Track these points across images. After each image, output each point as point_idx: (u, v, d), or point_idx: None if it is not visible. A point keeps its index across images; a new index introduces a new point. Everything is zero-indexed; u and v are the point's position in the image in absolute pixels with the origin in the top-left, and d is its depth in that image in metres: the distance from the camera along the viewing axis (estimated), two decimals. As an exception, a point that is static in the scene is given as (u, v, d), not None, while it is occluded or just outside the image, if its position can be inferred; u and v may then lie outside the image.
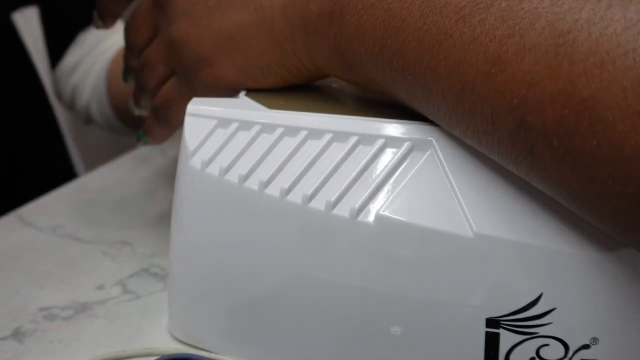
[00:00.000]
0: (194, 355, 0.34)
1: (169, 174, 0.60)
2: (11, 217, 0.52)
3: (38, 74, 0.69)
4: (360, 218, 0.29)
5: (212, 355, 0.34)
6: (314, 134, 0.31)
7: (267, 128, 0.32)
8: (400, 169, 0.30)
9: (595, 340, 0.27)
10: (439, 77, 0.28)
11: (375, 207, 0.29)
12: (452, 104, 0.28)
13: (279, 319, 0.32)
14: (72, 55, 0.74)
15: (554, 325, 0.27)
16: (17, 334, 0.37)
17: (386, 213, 0.29)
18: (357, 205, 0.29)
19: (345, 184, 0.30)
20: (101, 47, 0.73)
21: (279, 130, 0.32)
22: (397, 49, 0.29)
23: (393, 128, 0.30)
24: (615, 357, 0.28)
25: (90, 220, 0.51)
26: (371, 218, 0.29)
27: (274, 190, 0.31)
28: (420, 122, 0.30)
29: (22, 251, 0.47)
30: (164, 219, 0.50)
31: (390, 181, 0.30)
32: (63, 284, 0.42)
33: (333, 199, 0.30)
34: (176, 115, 0.39)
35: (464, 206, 0.28)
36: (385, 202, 0.29)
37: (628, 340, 0.28)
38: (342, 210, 0.30)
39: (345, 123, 0.31)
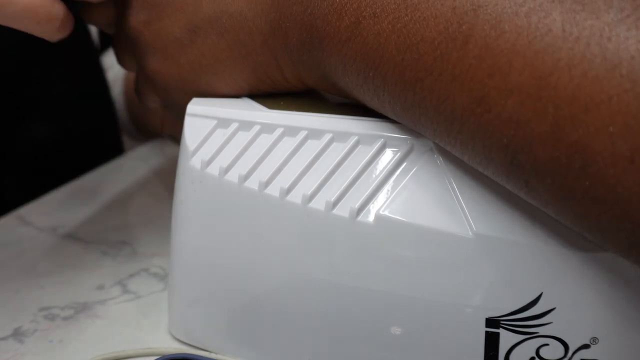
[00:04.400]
0: (194, 355, 0.34)
1: (169, 174, 0.60)
2: (11, 217, 0.52)
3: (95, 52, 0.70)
4: (360, 218, 0.29)
5: (212, 355, 0.34)
6: (314, 134, 0.31)
7: (267, 128, 0.32)
8: (400, 168, 0.30)
9: (595, 340, 0.27)
10: (426, 111, 0.27)
11: (375, 207, 0.29)
12: (444, 136, 0.27)
13: (278, 319, 0.32)
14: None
15: (554, 325, 0.27)
16: (17, 334, 0.37)
17: (386, 213, 0.29)
18: (357, 205, 0.29)
19: (345, 184, 0.30)
20: None
21: (279, 131, 0.32)
22: (380, 83, 0.29)
23: (393, 128, 0.30)
24: (616, 357, 0.28)
25: (90, 220, 0.51)
26: (371, 218, 0.29)
27: (273, 190, 0.31)
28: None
29: (22, 251, 0.47)
30: (164, 219, 0.50)
31: (390, 181, 0.30)
32: (63, 284, 0.42)
33: (333, 199, 0.30)
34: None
35: (464, 206, 0.28)
36: (385, 202, 0.29)
37: (628, 340, 0.28)
38: (342, 210, 0.30)
39: (345, 123, 0.31)
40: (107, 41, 0.79)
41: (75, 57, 0.68)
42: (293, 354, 0.32)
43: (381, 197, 0.29)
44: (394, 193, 0.29)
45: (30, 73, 0.50)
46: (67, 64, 0.66)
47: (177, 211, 0.35)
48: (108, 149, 0.71)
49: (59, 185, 0.58)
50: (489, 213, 0.28)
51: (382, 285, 0.30)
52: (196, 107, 0.34)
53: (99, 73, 0.71)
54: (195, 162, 0.33)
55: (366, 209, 0.29)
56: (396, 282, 0.29)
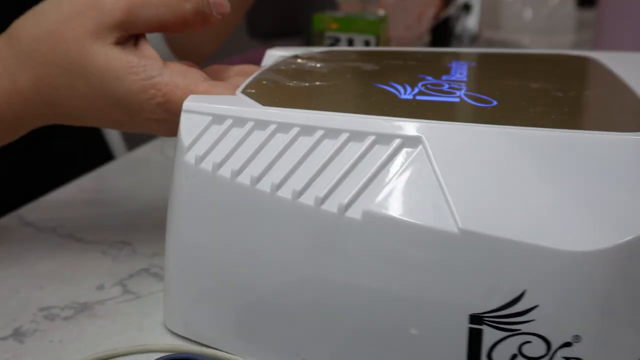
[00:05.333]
0: (194, 355, 0.34)
1: (169, 174, 0.60)
2: (11, 217, 0.52)
3: None
4: (348, 214, 0.30)
5: (212, 355, 0.34)
6: (306, 130, 0.32)
7: (260, 124, 0.33)
8: (390, 165, 0.30)
9: (577, 338, 0.27)
10: None
11: (363, 203, 0.29)
12: None
13: (268, 311, 0.33)
14: None
15: (536, 323, 0.27)
16: (17, 334, 0.37)
17: (373, 209, 0.29)
18: (345, 201, 0.30)
19: (335, 180, 0.30)
20: None
21: (272, 127, 0.32)
22: None
23: (383, 125, 0.31)
24: (598, 355, 0.28)
25: (90, 220, 0.51)
26: (358, 214, 0.29)
27: (264, 185, 0.31)
28: (410, 120, 0.31)
29: (22, 251, 0.47)
30: (164, 219, 0.50)
31: (378, 177, 0.30)
32: (63, 284, 0.42)
33: (322, 194, 0.30)
34: None
35: (450, 203, 0.28)
36: (372, 198, 0.29)
37: (610, 338, 0.28)
38: (331, 206, 0.30)
39: (336, 120, 0.31)
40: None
41: None
42: (282, 345, 0.33)
43: (369, 193, 0.30)
44: (382, 189, 0.29)
45: None
46: None
47: (172, 206, 0.35)
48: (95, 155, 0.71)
49: (59, 186, 0.58)
50: (475, 210, 0.28)
51: (368, 281, 0.30)
52: (192, 104, 0.35)
53: None
54: (190, 157, 0.34)
55: (354, 204, 0.30)
56: (381, 277, 0.29)
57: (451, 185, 0.29)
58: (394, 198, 0.29)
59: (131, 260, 0.45)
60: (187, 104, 0.35)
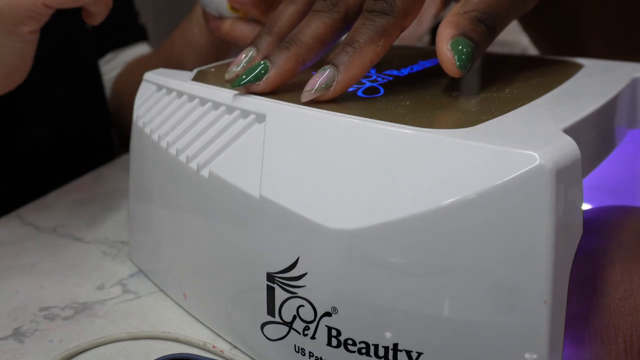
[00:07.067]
0: (194, 355, 0.34)
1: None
2: (11, 217, 0.52)
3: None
4: (202, 172, 0.34)
5: (212, 356, 0.34)
6: (200, 100, 0.37)
7: (180, 95, 0.39)
8: (243, 135, 0.33)
9: (335, 309, 0.29)
10: None
11: (211, 165, 0.34)
12: None
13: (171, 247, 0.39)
14: None
15: (307, 289, 0.30)
16: (17, 334, 0.37)
17: (214, 170, 0.33)
18: (202, 162, 0.34)
19: (203, 143, 0.35)
20: None
21: (184, 98, 0.38)
22: None
23: (244, 101, 0.34)
24: (351, 329, 0.29)
25: (90, 220, 0.51)
26: (206, 173, 0.34)
27: (173, 149, 0.37)
28: (264, 99, 0.33)
29: (22, 251, 0.47)
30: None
31: (232, 145, 0.34)
32: (63, 284, 0.42)
33: (191, 154, 0.35)
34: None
35: (262, 172, 0.31)
36: (219, 161, 0.34)
37: (362, 314, 0.28)
38: (194, 164, 0.35)
39: (223, 95, 0.35)
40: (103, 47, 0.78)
41: (73, 61, 0.68)
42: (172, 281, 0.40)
43: (220, 157, 0.34)
44: (229, 155, 0.33)
45: (29, 77, 0.50)
46: (65, 68, 0.66)
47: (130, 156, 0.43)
48: (99, 150, 0.71)
49: (58, 186, 0.58)
50: (277, 181, 0.30)
51: (211, 225, 0.34)
52: (150, 75, 0.43)
53: (97, 77, 0.71)
54: (135, 117, 0.42)
55: (207, 166, 0.34)
56: (215, 225, 0.34)
57: (270, 158, 0.31)
58: (232, 163, 0.33)
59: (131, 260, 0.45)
60: (147, 74, 0.43)
